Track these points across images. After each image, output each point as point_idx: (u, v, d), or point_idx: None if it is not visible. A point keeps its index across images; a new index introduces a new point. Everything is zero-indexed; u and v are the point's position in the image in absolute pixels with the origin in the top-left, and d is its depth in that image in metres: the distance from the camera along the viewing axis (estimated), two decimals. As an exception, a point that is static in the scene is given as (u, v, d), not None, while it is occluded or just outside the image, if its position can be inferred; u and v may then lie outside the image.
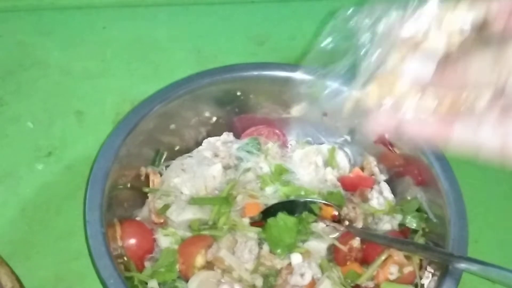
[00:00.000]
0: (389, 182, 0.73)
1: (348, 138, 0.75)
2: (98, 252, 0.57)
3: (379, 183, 0.73)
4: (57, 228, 0.69)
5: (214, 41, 0.89)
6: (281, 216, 0.65)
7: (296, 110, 0.75)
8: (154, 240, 0.67)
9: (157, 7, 0.92)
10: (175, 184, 0.69)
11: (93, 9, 0.90)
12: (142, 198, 0.70)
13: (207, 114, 0.74)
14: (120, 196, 0.66)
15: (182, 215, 0.67)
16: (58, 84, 0.82)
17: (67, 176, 0.73)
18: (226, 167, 0.72)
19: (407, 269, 0.64)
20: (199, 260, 0.63)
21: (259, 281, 0.64)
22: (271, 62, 0.74)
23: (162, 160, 0.72)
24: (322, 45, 0.43)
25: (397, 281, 0.64)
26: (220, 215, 0.67)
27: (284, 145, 0.76)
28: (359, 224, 0.68)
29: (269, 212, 0.67)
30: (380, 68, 0.38)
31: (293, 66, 0.72)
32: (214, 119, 0.75)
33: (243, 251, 0.65)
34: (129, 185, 0.67)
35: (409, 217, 0.68)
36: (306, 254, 0.65)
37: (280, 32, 0.92)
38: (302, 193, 0.70)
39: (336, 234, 0.67)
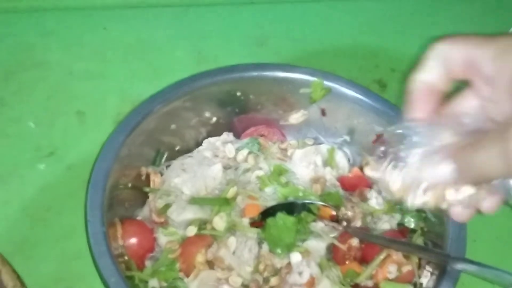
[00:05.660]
0: (388, 182, 0.73)
1: (347, 138, 0.75)
2: (99, 251, 0.57)
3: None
4: (58, 228, 0.69)
5: (214, 41, 0.89)
6: (280, 216, 0.65)
7: (294, 118, 0.76)
8: (155, 239, 0.67)
9: (157, 8, 0.93)
10: (175, 184, 0.70)
11: (93, 10, 0.90)
12: (142, 197, 0.70)
13: (207, 114, 0.74)
14: (121, 195, 0.66)
15: (183, 215, 0.67)
16: (59, 84, 0.82)
17: (68, 176, 0.73)
18: (226, 167, 0.72)
19: (406, 268, 0.64)
20: (199, 260, 0.64)
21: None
22: (271, 62, 0.74)
23: (163, 160, 0.72)
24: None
25: (396, 280, 0.64)
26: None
27: (283, 145, 0.76)
28: (358, 224, 0.68)
29: (268, 213, 0.67)
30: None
31: (293, 66, 0.73)
32: (214, 119, 0.75)
33: (243, 251, 0.65)
34: (130, 185, 0.68)
35: (407, 216, 0.69)
36: (306, 254, 0.65)
37: (280, 33, 0.92)
38: (300, 194, 0.70)
39: (335, 233, 0.68)
